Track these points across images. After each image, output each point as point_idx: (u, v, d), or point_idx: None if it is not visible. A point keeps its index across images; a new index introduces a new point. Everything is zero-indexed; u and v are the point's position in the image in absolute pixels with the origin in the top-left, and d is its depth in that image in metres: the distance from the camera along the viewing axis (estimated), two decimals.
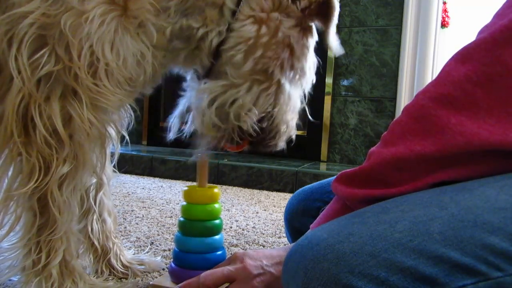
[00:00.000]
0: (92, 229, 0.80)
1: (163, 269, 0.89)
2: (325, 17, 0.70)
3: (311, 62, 0.75)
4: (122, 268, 0.83)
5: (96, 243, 0.80)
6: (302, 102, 0.79)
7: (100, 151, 0.64)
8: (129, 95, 0.65)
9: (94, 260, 0.82)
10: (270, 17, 0.67)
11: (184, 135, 0.76)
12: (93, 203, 0.78)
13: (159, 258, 0.95)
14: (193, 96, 0.73)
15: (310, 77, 0.76)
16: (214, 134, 0.71)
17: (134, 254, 0.92)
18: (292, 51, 0.70)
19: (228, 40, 0.68)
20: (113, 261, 0.83)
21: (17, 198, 0.61)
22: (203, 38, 0.68)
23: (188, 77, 0.78)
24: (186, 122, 0.75)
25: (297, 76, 0.73)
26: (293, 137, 0.79)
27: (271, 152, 0.77)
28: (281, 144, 0.77)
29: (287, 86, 0.72)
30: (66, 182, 0.60)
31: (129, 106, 0.72)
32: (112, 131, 0.66)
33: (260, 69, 0.68)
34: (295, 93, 0.75)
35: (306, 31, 0.72)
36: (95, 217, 0.79)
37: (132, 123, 0.75)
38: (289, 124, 0.75)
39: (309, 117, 0.84)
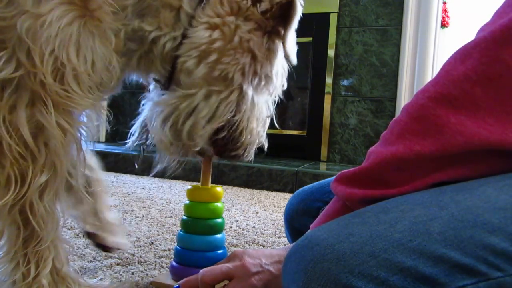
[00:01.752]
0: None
1: (163, 267, 0.89)
2: (286, 20, 0.67)
3: (279, 67, 0.71)
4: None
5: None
6: (269, 110, 0.75)
7: (77, 153, 0.62)
8: (98, 99, 0.63)
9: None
10: (224, 22, 0.64)
11: (147, 145, 0.74)
12: (87, 198, 0.76)
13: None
14: (149, 109, 0.71)
15: (278, 83, 0.72)
16: (171, 151, 0.69)
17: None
18: (254, 56, 0.67)
19: (182, 46, 0.65)
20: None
21: None
22: (155, 41, 0.65)
23: (151, 86, 0.75)
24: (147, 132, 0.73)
25: (262, 83, 0.69)
26: (264, 144, 0.77)
27: (240, 160, 0.75)
28: (248, 154, 0.74)
29: (250, 92, 0.68)
30: (46, 191, 0.58)
31: (102, 108, 0.70)
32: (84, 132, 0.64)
33: (218, 76, 0.66)
34: (261, 100, 0.71)
35: (272, 34, 0.69)
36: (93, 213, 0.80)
37: (127, 122, 0.75)
38: (254, 132, 0.72)
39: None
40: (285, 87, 0.76)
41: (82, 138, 0.63)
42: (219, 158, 0.75)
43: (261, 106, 0.72)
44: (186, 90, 0.67)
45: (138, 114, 0.75)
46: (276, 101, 0.77)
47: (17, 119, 0.54)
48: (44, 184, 0.57)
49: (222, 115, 0.67)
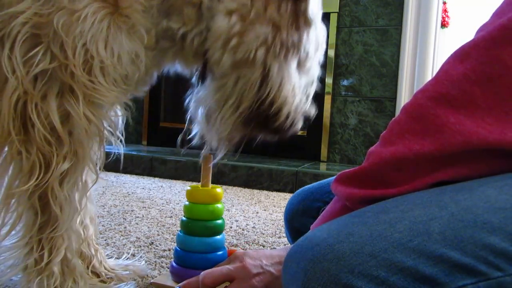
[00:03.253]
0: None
1: (163, 267, 0.89)
2: None
3: (310, 36, 0.69)
4: (107, 272, 0.82)
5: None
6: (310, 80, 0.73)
7: (98, 147, 0.64)
8: (124, 93, 0.65)
9: None
10: (241, 3, 0.63)
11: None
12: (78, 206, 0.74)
13: (143, 263, 0.92)
14: (192, 108, 0.73)
15: (311, 54, 0.70)
16: (219, 145, 0.70)
17: (116, 259, 0.90)
18: (276, 25, 0.64)
19: (208, 39, 0.66)
20: (97, 266, 0.81)
21: (18, 196, 0.60)
22: (184, 38, 0.67)
23: (193, 80, 0.76)
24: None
25: (290, 52, 0.67)
26: (308, 114, 0.74)
27: (289, 137, 0.72)
28: (293, 125, 0.72)
29: (276, 65, 0.66)
30: (66, 179, 0.60)
31: (126, 104, 0.71)
32: (109, 128, 0.66)
33: (241, 58, 0.65)
34: (292, 69, 0.69)
35: (291, 0, 0.66)
36: (77, 221, 0.75)
37: (127, 122, 0.75)
38: (289, 101, 0.69)
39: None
40: (324, 47, 0.73)
41: (106, 132, 0.65)
42: (270, 138, 0.73)
43: (293, 75, 0.69)
44: (219, 81, 0.67)
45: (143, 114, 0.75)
46: (315, 78, 0.75)
47: (48, 107, 0.57)
48: (65, 172, 0.59)
49: (247, 97, 0.67)
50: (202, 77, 0.70)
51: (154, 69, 0.71)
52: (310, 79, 0.74)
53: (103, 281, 0.79)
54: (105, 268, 0.82)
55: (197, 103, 0.71)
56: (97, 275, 0.80)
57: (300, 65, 0.70)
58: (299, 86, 0.71)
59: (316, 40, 0.71)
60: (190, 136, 0.75)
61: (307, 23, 0.67)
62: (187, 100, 0.74)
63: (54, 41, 0.56)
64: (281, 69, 0.67)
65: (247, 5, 0.63)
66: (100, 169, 0.67)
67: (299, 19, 0.66)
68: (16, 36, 0.55)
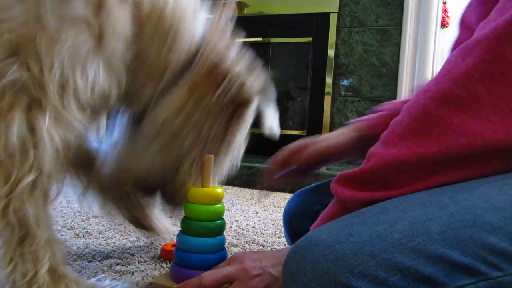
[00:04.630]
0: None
1: (163, 267, 0.89)
2: (239, 111, 0.74)
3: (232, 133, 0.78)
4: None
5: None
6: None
7: (61, 163, 0.63)
8: (89, 120, 0.67)
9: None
10: (182, 107, 0.71)
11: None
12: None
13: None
14: (107, 144, 0.79)
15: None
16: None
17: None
18: (206, 126, 0.73)
19: (151, 112, 0.72)
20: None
21: None
22: (139, 96, 0.72)
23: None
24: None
25: (212, 144, 0.76)
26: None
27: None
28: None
29: (192, 154, 0.75)
30: (35, 191, 0.59)
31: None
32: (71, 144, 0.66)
33: (170, 138, 0.73)
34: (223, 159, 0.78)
35: (223, 108, 0.74)
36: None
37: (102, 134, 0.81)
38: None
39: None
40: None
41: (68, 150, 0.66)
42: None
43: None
44: (143, 140, 0.75)
45: None
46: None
47: (13, 119, 0.56)
48: (32, 184, 0.58)
49: (158, 173, 0.76)
50: (135, 123, 0.76)
51: (116, 106, 0.75)
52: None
53: (98, 280, 0.79)
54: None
55: (113, 145, 0.78)
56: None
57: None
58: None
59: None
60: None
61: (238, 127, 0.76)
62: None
63: (32, 55, 0.56)
64: (194, 159, 0.75)
65: (188, 104, 0.71)
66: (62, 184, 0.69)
67: (232, 126, 0.75)
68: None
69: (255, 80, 0.76)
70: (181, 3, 0.68)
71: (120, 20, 0.61)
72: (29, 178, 0.58)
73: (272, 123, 0.74)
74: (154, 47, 0.68)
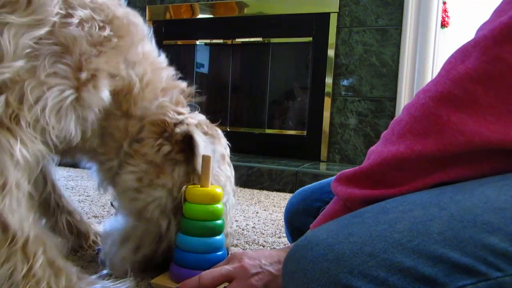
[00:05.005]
0: (66, 221, 0.95)
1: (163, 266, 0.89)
2: (191, 150, 0.76)
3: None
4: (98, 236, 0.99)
5: (75, 231, 0.97)
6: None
7: (26, 173, 0.67)
8: (54, 153, 0.74)
9: (77, 245, 0.98)
10: (139, 169, 0.76)
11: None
12: (56, 205, 0.93)
13: None
14: (103, 236, 0.85)
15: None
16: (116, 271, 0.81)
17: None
18: (168, 189, 0.76)
19: (116, 184, 0.80)
20: (95, 238, 0.99)
21: None
22: (103, 163, 0.81)
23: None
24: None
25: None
26: None
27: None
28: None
29: (165, 223, 0.78)
30: (7, 196, 0.63)
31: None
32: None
33: (138, 210, 0.77)
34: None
35: (184, 163, 0.78)
36: (64, 213, 0.94)
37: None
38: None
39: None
40: (230, 190, 0.86)
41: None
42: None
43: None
44: (125, 220, 0.81)
45: None
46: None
47: None
48: (0, 187, 0.62)
49: (146, 245, 0.79)
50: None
51: (79, 155, 0.84)
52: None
53: (101, 277, 0.80)
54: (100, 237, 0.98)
55: (107, 234, 0.83)
56: (96, 244, 0.98)
57: None
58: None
59: (222, 183, 0.83)
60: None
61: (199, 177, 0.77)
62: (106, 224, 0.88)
63: (15, 94, 0.63)
64: (173, 223, 0.78)
65: (142, 171, 0.76)
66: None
67: (192, 176, 0.77)
68: None
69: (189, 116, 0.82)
70: (148, 79, 0.78)
71: (100, 94, 0.70)
72: None
73: (202, 153, 0.76)
74: (118, 117, 0.77)
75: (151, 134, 0.77)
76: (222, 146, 0.86)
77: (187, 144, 0.76)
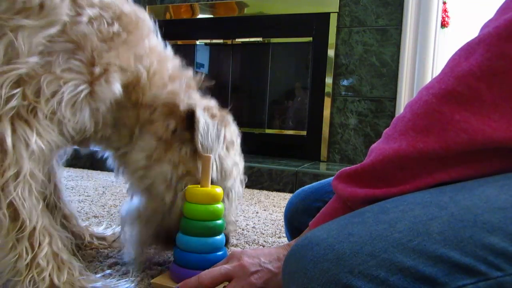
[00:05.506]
0: (61, 225, 0.96)
1: (163, 266, 0.89)
2: (193, 128, 0.78)
3: (216, 165, 0.83)
4: (99, 241, 1.02)
5: (69, 234, 0.96)
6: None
7: (40, 164, 0.69)
8: (69, 144, 0.79)
9: (73, 245, 0.97)
10: (149, 147, 0.79)
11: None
12: (54, 207, 0.96)
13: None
14: (123, 210, 0.87)
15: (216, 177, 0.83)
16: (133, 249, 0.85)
17: (105, 226, 1.11)
18: (174, 164, 0.79)
19: (128, 166, 0.83)
20: (90, 239, 1.01)
21: None
22: (117, 150, 0.84)
23: None
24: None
25: (187, 180, 0.80)
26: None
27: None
28: None
29: (169, 197, 0.80)
30: (20, 184, 0.65)
31: None
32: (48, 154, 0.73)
33: (146, 188, 0.80)
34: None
35: (189, 141, 0.79)
36: (59, 217, 0.96)
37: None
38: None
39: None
40: (236, 176, 0.87)
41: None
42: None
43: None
44: (137, 198, 0.84)
45: None
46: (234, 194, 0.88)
47: (1, 125, 0.65)
48: (14, 177, 0.65)
49: (154, 221, 0.82)
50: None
51: (94, 144, 0.88)
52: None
53: (104, 277, 0.80)
54: (96, 237, 1.03)
55: (125, 216, 0.85)
56: (92, 245, 1.01)
57: None
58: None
59: (223, 169, 0.84)
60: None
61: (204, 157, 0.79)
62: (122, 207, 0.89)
63: (32, 87, 0.66)
64: (179, 198, 0.80)
65: (152, 148, 0.79)
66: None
67: (197, 155, 0.79)
68: (7, 79, 0.65)
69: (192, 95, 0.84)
70: (155, 69, 0.80)
71: (112, 88, 0.73)
72: (10, 172, 0.64)
73: (204, 147, 0.78)
74: (130, 108, 0.80)
75: (161, 115, 0.80)
76: (231, 132, 0.87)
77: (191, 120, 0.79)
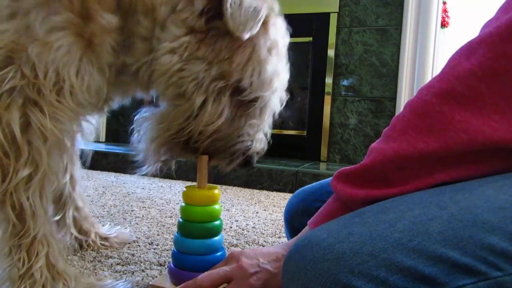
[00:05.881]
0: (72, 217, 0.95)
1: (163, 267, 0.89)
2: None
3: (240, 60, 0.71)
4: (101, 241, 1.01)
5: (75, 229, 0.97)
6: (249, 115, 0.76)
7: (59, 157, 0.66)
8: (86, 113, 0.73)
9: (77, 243, 0.98)
10: (180, 44, 0.68)
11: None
12: (68, 197, 0.93)
13: (128, 230, 1.14)
14: (137, 123, 0.79)
15: (244, 76, 0.71)
16: (146, 157, 0.78)
17: (109, 227, 1.10)
18: (208, 62, 0.69)
19: (153, 73, 0.72)
20: (94, 238, 0.99)
21: None
22: (137, 72, 0.73)
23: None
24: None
25: (220, 84, 0.70)
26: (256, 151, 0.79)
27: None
28: (232, 156, 0.77)
29: (200, 99, 0.71)
30: (31, 187, 0.62)
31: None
32: (68, 140, 0.69)
33: (178, 93, 0.71)
34: (220, 101, 0.72)
35: (224, 36, 0.69)
36: (72, 208, 0.94)
37: (127, 122, 0.82)
38: (213, 132, 0.73)
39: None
40: (279, 84, 0.75)
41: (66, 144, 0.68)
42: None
43: (222, 109, 0.72)
44: (162, 108, 0.75)
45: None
46: (280, 101, 0.77)
47: (10, 115, 0.60)
48: (26, 179, 0.62)
49: (176, 124, 0.73)
50: (156, 102, 0.79)
51: (114, 99, 0.80)
52: (258, 115, 0.77)
53: (100, 279, 0.80)
54: (100, 237, 1.01)
55: (142, 121, 0.78)
56: (94, 244, 0.99)
57: (241, 101, 0.73)
58: (233, 119, 0.74)
59: (259, 76, 0.72)
60: (132, 148, 0.82)
61: (242, 55, 0.70)
62: (135, 117, 0.80)
63: (26, 63, 0.60)
64: (205, 103, 0.71)
65: (183, 45, 0.68)
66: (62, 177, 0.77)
67: (232, 55, 0.69)
68: None
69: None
70: None
71: (106, 16, 0.64)
72: (24, 173, 0.61)
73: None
74: (139, 13, 0.69)
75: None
76: (277, 28, 0.74)
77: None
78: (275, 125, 0.82)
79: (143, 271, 0.87)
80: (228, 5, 0.64)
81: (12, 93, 0.60)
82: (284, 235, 1.21)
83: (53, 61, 0.61)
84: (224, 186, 2.06)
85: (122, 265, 0.90)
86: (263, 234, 1.23)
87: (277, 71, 0.73)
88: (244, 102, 0.73)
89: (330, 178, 0.63)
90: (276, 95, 0.75)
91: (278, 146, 2.61)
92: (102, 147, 2.50)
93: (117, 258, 0.93)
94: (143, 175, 0.80)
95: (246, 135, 0.76)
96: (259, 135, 0.77)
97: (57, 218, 0.94)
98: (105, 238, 1.02)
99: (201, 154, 0.76)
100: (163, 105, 0.76)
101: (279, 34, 0.74)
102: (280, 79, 0.75)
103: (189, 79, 0.69)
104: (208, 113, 0.71)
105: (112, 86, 0.74)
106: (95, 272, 0.85)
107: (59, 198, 0.93)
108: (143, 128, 0.77)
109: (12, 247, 0.63)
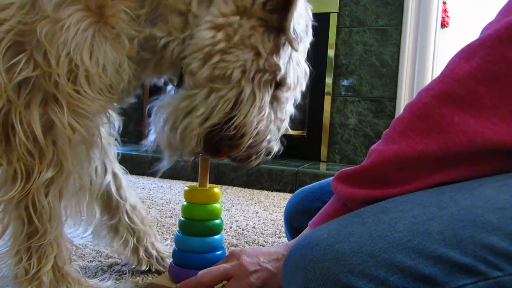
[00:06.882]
0: (128, 219, 0.84)
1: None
2: (286, 10, 0.64)
3: (291, 63, 0.69)
4: (158, 254, 0.88)
5: (132, 232, 0.85)
6: (284, 112, 0.73)
7: (85, 156, 0.63)
8: (109, 102, 0.64)
9: (132, 249, 0.86)
10: (229, 22, 0.63)
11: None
12: (118, 198, 0.82)
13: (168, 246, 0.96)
14: (154, 112, 0.71)
15: (290, 79, 0.70)
16: (170, 151, 0.70)
17: (166, 246, 0.95)
18: (257, 52, 0.65)
19: (187, 48, 0.65)
20: (150, 249, 0.87)
21: (3, 207, 0.60)
22: (165, 47, 0.66)
23: (168, 87, 0.76)
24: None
25: (266, 76, 0.66)
26: (273, 149, 0.75)
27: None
28: (253, 156, 0.72)
29: (248, 89, 0.66)
30: (51, 188, 0.60)
31: (113, 112, 0.72)
32: (96, 136, 0.65)
33: (218, 75, 0.64)
34: (266, 98, 0.68)
35: (279, 30, 0.66)
36: (127, 208, 0.83)
37: (127, 122, 0.76)
38: (254, 131, 0.68)
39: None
40: (303, 87, 0.74)
41: (93, 141, 0.64)
42: (221, 159, 0.73)
43: (265, 103, 0.68)
44: (189, 90, 0.66)
45: (143, 114, 0.76)
46: (294, 102, 0.76)
47: (30, 116, 0.56)
48: (49, 181, 0.59)
49: (218, 112, 0.66)
50: (179, 83, 0.70)
51: (136, 81, 0.71)
52: (284, 114, 0.74)
53: (102, 280, 0.80)
54: (157, 250, 0.88)
55: (160, 109, 0.70)
56: (149, 256, 0.87)
57: (276, 97, 0.71)
58: (270, 115, 0.71)
59: (296, 75, 0.71)
60: (146, 140, 0.74)
61: (287, 53, 0.68)
62: (150, 106, 0.72)
63: (37, 49, 0.55)
64: (255, 94, 0.66)
65: (234, 26, 0.63)
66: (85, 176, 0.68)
67: (280, 48, 0.67)
68: (0, 43, 0.54)
69: None
70: None
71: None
72: (48, 175, 0.58)
73: (295, 39, 0.64)
74: None
75: None
76: (309, 37, 0.71)
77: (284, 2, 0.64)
78: None
79: (142, 271, 0.87)
80: (292, 21, 0.62)
81: (28, 86, 0.56)
82: (284, 235, 1.21)
83: (64, 44, 0.55)
84: (224, 186, 2.06)
85: (122, 265, 0.90)
86: (263, 234, 1.23)
87: (306, 72, 0.73)
88: (277, 99, 0.71)
89: (330, 178, 0.63)
90: (298, 92, 0.74)
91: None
92: None
93: (117, 258, 0.93)
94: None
95: (273, 134, 0.73)
96: (291, 108, 0.75)
97: (112, 222, 0.84)
98: (162, 258, 0.89)
99: (238, 154, 0.70)
100: (189, 87, 0.67)
101: (308, 39, 0.73)
102: (305, 79, 0.74)
103: (236, 64, 0.64)
104: (256, 105, 0.66)
105: (134, 65, 0.66)
106: (95, 272, 0.85)
107: (108, 201, 0.83)
108: (164, 116, 0.68)
109: (21, 248, 0.61)
